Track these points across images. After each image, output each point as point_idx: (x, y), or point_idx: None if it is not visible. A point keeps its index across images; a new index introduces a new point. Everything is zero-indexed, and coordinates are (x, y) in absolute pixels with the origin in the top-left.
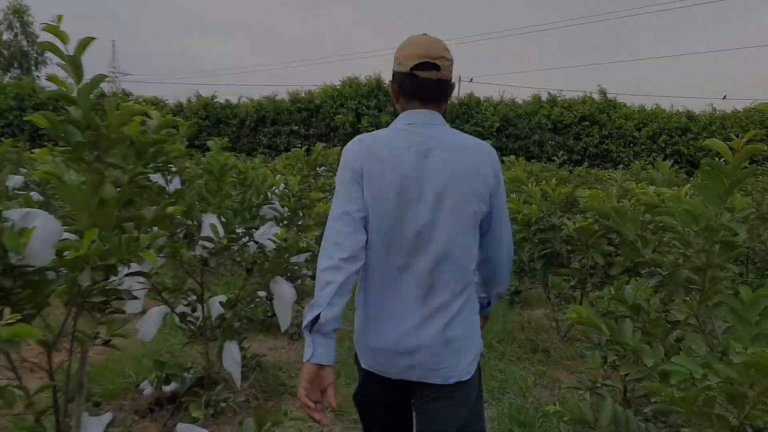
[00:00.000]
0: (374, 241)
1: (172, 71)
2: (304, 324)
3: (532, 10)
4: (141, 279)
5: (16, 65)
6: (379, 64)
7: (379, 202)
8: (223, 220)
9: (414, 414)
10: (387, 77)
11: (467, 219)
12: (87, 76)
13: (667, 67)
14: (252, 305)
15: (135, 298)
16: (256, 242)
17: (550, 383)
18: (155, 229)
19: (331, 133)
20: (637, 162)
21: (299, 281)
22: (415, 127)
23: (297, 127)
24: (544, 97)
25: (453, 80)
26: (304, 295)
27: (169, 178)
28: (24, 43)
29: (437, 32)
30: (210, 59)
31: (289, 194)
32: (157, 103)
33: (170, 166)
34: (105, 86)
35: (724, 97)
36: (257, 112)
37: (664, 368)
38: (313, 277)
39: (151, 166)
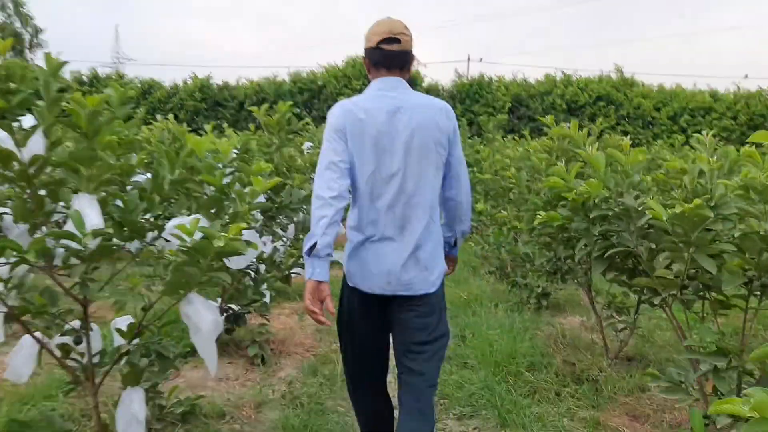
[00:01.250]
0: (360, 185)
1: (178, 57)
2: (304, 251)
3: None
4: None
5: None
6: None
7: (361, 154)
8: (118, 204)
9: (393, 325)
10: None
11: (431, 163)
12: (91, 60)
13: (687, 45)
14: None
15: None
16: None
17: None
18: None
19: None
20: (677, 136)
21: (247, 291)
22: (385, 91)
23: (299, 110)
24: (558, 76)
25: (413, 53)
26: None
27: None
28: (17, 24)
29: (444, 12)
30: (216, 45)
31: (214, 165)
32: (153, 85)
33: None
34: (108, 71)
35: (746, 76)
36: (256, 94)
37: None
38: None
39: None
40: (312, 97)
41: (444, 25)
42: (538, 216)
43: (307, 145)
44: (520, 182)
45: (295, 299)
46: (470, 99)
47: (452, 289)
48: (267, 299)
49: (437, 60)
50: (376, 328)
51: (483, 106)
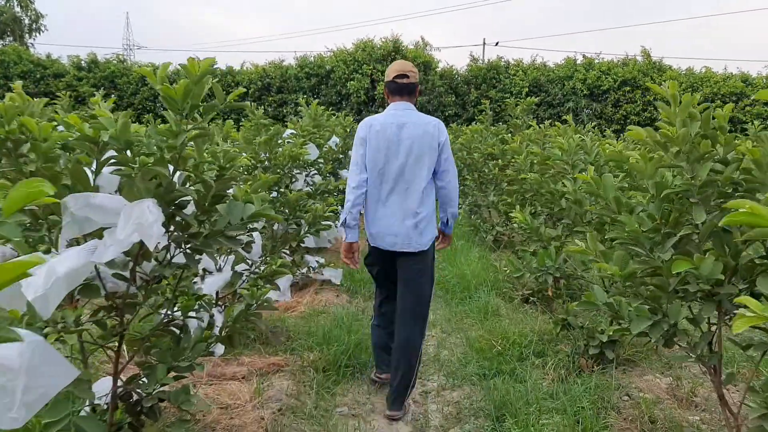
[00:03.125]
0: (372, 177)
1: (193, 45)
2: (340, 223)
3: None
4: None
5: (9, 32)
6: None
7: (375, 156)
8: None
9: (398, 268)
10: (405, 40)
11: (424, 163)
12: (101, 47)
13: (715, 28)
14: None
15: None
16: None
17: None
18: None
19: (343, 102)
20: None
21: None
22: (396, 111)
23: (305, 95)
24: (579, 60)
25: (418, 84)
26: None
27: None
28: (17, 9)
29: None
30: (229, 32)
31: None
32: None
33: None
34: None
35: None
36: (261, 80)
37: None
38: None
39: None
40: (319, 82)
41: (460, 7)
42: (679, 262)
43: (333, 140)
44: (606, 191)
45: (267, 344)
46: (486, 84)
47: (478, 331)
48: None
49: (452, 44)
50: (385, 266)
51: (500, 91)
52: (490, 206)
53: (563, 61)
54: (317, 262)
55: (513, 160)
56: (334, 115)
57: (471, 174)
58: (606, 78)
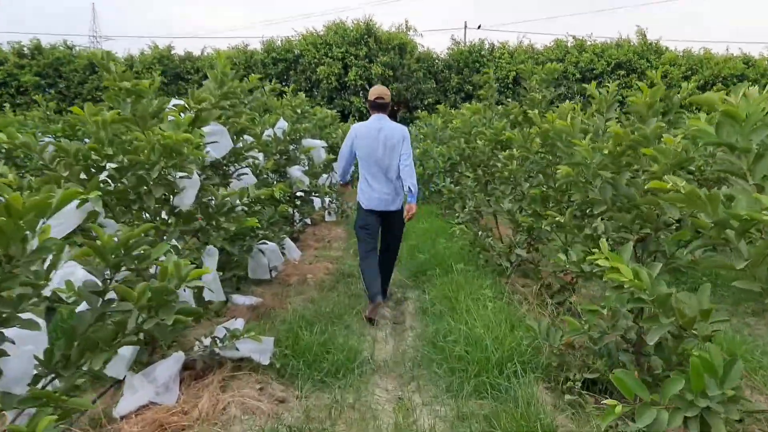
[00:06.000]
0: (363, 164)
1: (154, 34)
2: (339, 184)
3: None
4: None
5: None
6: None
7: (362, 150)
8: None
9: (383, 222)
10: (378, 21)
11: (395, 154)
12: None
13: (711, 8)
14: None
15: None
16: None
17: None
18: None
19: (314, 89)
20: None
21: None
22: (377, 120)
23: (271, 82)
24: (570, 43)
25: (391, 102)
26: None
27: None
28: None
29: None
30: (204, 24)
31: None
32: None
33: None
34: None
35: None
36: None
37: None
38: None
39: None
40: (287, 68)
41: None
42: None
43: (281, 125)
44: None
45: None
46: (468, 68)
47: None
48: None
49: (434, 28)
50: (375, 223)
51: (479, 86)
52: (504, 216)
53: (553, 44)
54: (226, 330)
55: (544, 151)
56: (281, 94)
57: (471, 169)
58: (599, 60)
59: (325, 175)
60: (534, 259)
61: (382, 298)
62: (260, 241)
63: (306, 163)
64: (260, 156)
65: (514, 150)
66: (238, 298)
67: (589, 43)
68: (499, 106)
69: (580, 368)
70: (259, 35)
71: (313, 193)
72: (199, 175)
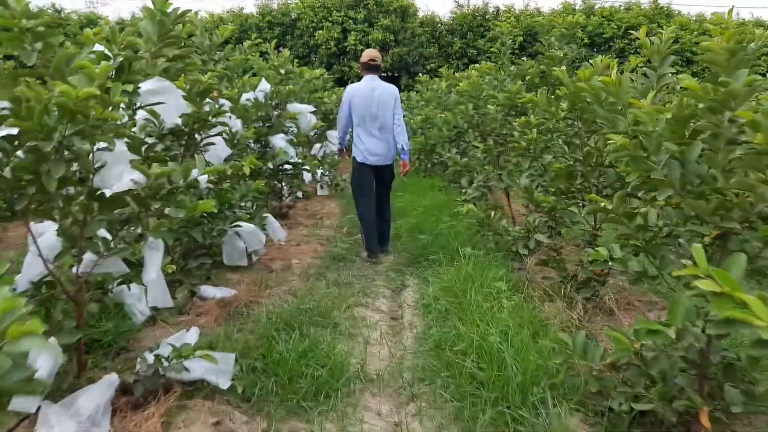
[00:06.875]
0: (358, 121)
1: None
2: (337, 149)
3: None
4: None
5: None
6: None
7: (357, 109)
8: None
9: (377, 175)
10: None
11: (389, 110)
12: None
13: None
14: None
15: None
16: None
17: None
18: None
19: (312, 54)
20: None
21: None
22: (369, 81)
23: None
24: (579, 5)
25: (381, 64)
26: None
27: None
28: None
29: None
30: None
31: None
32: (93, 20)
33: None
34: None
35: None
36: (218, 29)
37: None
38: None
39: None
40: (284, 33)
41: None
42: None
43: (263, 87)
44: None
45: None
46: (472, 33)
47: None
48: None
49: None
50: (370, 176)
51: (488, 41)
52: (519, 193)
53: (560, 7)
54: (172, 346)
55: (585, 117)
56: (263, 54)
57: (480, 139)
58: (609, 25)
59: (318, 145)
60: (556, 246)
61: (380, 253)
62: (233, 224)
63: (293, 132)
64: (238, 123)
65: (531, 116)
66: (208, 290)
67: (597, 6)
68: (512, 67)
69: (626, 396)
70: None
71: (301, 165)
72: (154, 145)
